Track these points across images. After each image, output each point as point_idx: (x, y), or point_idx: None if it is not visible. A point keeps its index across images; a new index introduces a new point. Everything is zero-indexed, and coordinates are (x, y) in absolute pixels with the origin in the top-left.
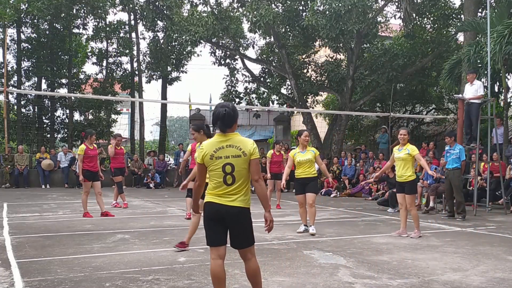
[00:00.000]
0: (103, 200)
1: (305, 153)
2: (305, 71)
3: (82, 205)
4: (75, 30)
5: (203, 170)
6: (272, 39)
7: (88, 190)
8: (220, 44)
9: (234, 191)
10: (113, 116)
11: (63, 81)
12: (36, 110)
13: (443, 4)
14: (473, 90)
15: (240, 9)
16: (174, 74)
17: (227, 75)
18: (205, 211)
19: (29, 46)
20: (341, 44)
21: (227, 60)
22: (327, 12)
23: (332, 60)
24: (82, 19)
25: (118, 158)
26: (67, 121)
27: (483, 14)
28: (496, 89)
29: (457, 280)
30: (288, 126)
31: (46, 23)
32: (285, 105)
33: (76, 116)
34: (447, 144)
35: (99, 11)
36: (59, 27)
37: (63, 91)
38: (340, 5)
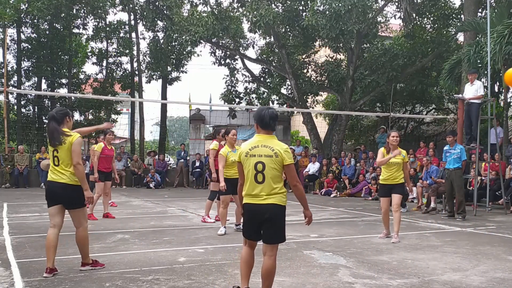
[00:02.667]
0: (108, 201)
1: (236, 152)
2: (305, 71)
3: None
4: (75, 30)
5: (242, 169)
6: (272, 39)
7: (102, 191)
8: (220, 44)
9: (265, 189)
10: (113, 116)
11: (63, 81)
12: (36, 110)
13: (443, 4)
14: (473, 90)
15: (240, 9)
16: (174, 74)
17: (227, 75)
18: (245, 211)
19: (29, 46)
20: (341, 44)
21: (227, 60)
22: (327, 12)
23: (332, 60)
24: (82, 19)
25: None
26: None
27: (483, 14)
28: (496, 89)
29: (457, 280)
30: (288, 126)
31: (46, 23)
32: (285, 105)
33: (76, 116)
34: (448, 144)
35: (99, 11)
36: (59, 27)
37: (63, 91)
38: (340, 5)
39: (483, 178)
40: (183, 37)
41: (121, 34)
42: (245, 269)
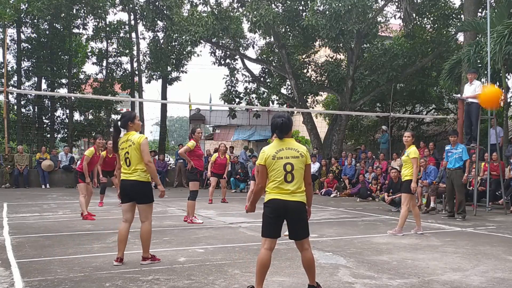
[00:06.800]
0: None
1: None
2: (305, 71)
3: (80, 207)
4: (75, 30)
5: (264, 171)
6: (272, 39)
7: (85, 192)
8: (220, 44)
9: (293, 187)
10: (113, 116)
11: (63, 81)
12: (36, 110)
13: (443, 4)
14: (472, 89)
15: (240, 9)
16: (174, 74)
17: (227, 75)
18: (269, 207)
19: (29, 46)
20: (341, 44)
21: (227, 60)
22: (327, 12)
23: (332, 60)
24: (82, 19)
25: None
26: (67, 121)
27: (483, 14)
28: None
29: (457, 280)
30: None
31: (46, 23)
32: (285, 105)
33: (76, 116)
34: (451, 143)
35: (99, 11)
36: (59, 27)
37: (63, 91)
38: (340, 5)
39: (482, 179)
40: (183, 37)
41: (121, 34)
42: (263, 273)
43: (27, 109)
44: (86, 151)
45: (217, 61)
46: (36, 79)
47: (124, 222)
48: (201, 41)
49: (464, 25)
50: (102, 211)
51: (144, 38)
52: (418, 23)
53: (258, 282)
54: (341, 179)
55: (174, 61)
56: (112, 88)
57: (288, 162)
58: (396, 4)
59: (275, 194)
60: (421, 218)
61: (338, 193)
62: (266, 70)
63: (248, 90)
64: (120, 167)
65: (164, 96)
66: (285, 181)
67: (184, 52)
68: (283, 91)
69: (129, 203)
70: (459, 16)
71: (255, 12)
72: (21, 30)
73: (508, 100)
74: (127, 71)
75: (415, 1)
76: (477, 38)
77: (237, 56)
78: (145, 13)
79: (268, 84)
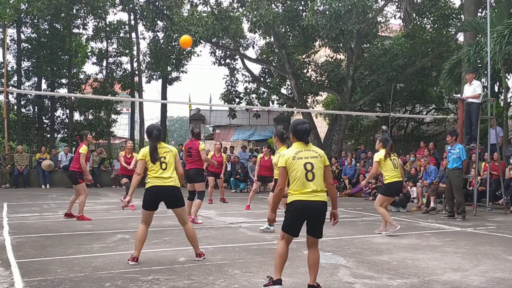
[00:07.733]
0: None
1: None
2: (305, 71)
3: (79, 206)
4: (75, 30)
5: (285, 174)
6: (272, 39)
7: (87, 191)
8: (220, 44)
9: (315, 186)
10: (113, 116)
11: (63, 81)
12: (36, 110)
13: (443, 4)
14: (471, 89)
15: (240, 9)
16: (174, 74)
17: (227, 75)
18: (294, 207)
19: (29, 46)
20: (341, 44)
21: (227, 60)
22: (327, 12)
23: (332, 60)
24: (82, 19)
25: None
26: (67, 121)
27: (483, 14)
28: (496, 89)
29: (457, 280)
30: (288, 126)
31: (46, 23)
32: (285, 105)
33: (76, 116)
34: (448, 144)
35: (99, 11)
36: (59, 27)
37: (63, 91)
38: (340, 5)
39: (482, 178)
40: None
41: (121, 34)
42: (282, 263)
43: (27, 109)
44: (80, 149)
45: (217, 61)
46: (36, 79)
47: (143, 224)
48: (201, 41)
49: (464, 25)
50: (102, 211)
51: (144, 38)
52: (418, 23)
53: (277, 271)
54: (341, 179)
55: (174, 61)
56: (112, 88)
57: (308, 162)
58: (396, 4)
59: (298, 195)
60: (421, 218)
61: (338, 193)
62: (266, 70)
63: (248, 90)
64: (141, 173)
65: (164, 96)
66: (306, 179)
67: (184, 52)
68: (283, 91)
69: (154, 210)
70: (459, 16)
71: (255, 12)
72: (21, 30)
73: (508, 100)
74: (127, 71)
75: (415, 1)
76: (477, 38)
77: (237, 56)
78: (145, 13)
79: (268, 84)
